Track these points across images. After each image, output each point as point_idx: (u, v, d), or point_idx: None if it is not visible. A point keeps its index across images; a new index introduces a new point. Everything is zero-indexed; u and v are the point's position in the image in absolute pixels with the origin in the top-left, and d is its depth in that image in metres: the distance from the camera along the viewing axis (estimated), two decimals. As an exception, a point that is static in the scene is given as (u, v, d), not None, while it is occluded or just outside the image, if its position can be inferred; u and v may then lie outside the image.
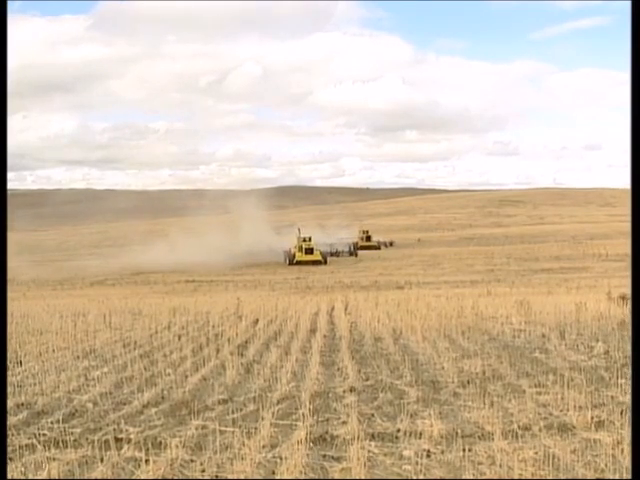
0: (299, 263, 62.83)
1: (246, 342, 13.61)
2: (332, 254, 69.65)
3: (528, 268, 54.69)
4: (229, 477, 5.36)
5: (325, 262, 63.96)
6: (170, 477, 5.42)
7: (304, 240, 65.81)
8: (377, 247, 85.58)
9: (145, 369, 10.50)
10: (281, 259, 66.18)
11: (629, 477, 4.93)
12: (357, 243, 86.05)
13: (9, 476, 5.35)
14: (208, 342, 13.65)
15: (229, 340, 13.74)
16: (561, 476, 5.24)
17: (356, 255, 72.31)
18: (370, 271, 56.55)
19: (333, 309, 21.72)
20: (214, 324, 17.02)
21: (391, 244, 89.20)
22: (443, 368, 10.01)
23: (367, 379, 9.37)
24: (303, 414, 7.10)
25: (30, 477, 5.45)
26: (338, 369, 10.26)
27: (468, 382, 8.87)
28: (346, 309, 21.08)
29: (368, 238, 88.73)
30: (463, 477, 5.25)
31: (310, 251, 64.54)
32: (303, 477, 5.31)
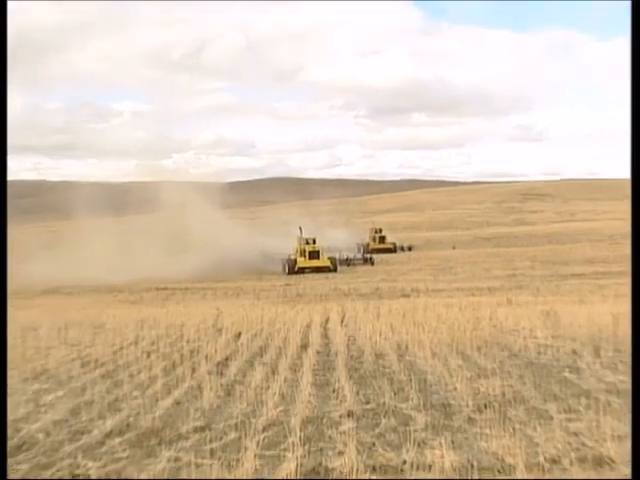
0: (302, 271, 60.19)
1: (227, 359, 13.67)
2: (341, 262, 66.27)
3: (556, 273, 54.84)
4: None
5: (335, 269, 61.14)
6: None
7: (307, 242, 62.90)
8: (392, 250, 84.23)
9: (108, 392, 10.47)
10: (276, 267, 63.47)
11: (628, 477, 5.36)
12: (368, 245, 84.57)
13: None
14: (182, 359, 13.67)
15: (207, 357, 13.78)
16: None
17: (372, 263, 68.54)
18: (371, 276, 56.60)
19: (327, 321, 21.72)
20: (189, 339, 17.03)
21: (410, 249, 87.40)
22: (456, 389, 10.01)
23: (367, 402, 9.37)
24: (293, 443, 7.09)
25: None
26: (333, 390, 10.26)
27: (485, 406, 8.88)
28: (342, 321, 21.09)
29: (382, 239, 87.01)
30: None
31: (315, 255, 61.57)
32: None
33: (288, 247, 65.42)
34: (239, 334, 17.89)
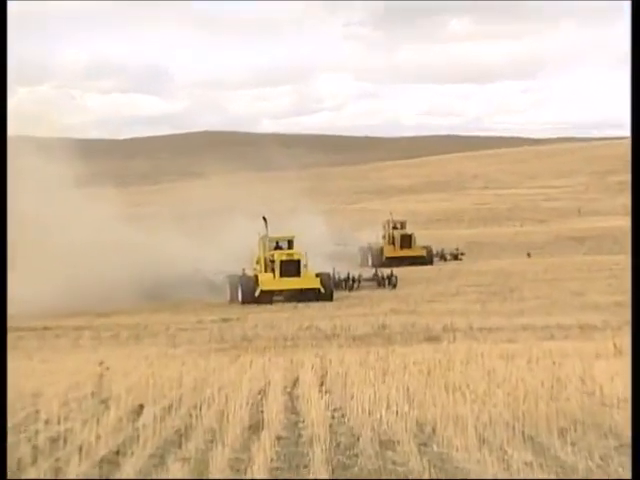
0: (268, 298, 59.11)
1: (117, 453, 13.74)
2: (338, 283, 64.73)
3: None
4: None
5: (329, 295, 59.90)
6: None
7: (278, 246, 61.75)
8: (425, 260, 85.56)
9: None
10: (213, 292, 62.93)
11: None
12: (382, 251, 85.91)
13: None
14: (36, 455, 13.67)
15: (81, 450, 13.78)
16: None
17: (394, 285, 67.35)
18: (372, 304, 56.54)
19: (296, 383, 21.84)
20: (50, 418, 17.04)
21: (456, 257, 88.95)
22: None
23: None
24: None
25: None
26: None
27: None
28: (323, 383, 21.15)
29: (406, 240, 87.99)
30: None
31: (293, 269, 59.90)
32: None
33: (233, 256, 65.01)
34: (140, 408, 17.93)
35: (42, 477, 12.06)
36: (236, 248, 65.88)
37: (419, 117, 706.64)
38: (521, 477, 11.16)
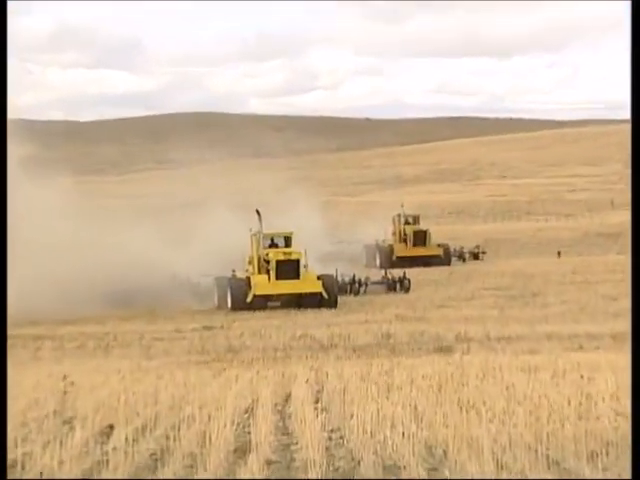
0: (263, 303, 58.72)
1: (83, 480, 13.71)
2: (342, 287, 63.93)
3: None
4: None
5: (333, 301, 59.16)
6: None
7: (272, 243, 61.04)
8: (442, 259, 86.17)
9: None
10: (194, 298, 62.34)
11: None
12: (392, 249, 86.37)
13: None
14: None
15: (42, 477, 13.79)
16: None
17: (407, 289, 67.35)
18: (375, 309, 56.54)
19: (288, 399, 21.87)
20: (7, 440, 16.93)
21: (476, 256, 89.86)
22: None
23: None
24: None
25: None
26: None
27: None
28: (318, 400, 21.17)
29: (419, 237, 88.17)
30: None
31: (291, 270, 59.00)
32: None
33: (218, 255, 64.63)
34: (109, 429, 17.94)
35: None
36: (221, 246, 65.52)
37: (427, 96, 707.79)
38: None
